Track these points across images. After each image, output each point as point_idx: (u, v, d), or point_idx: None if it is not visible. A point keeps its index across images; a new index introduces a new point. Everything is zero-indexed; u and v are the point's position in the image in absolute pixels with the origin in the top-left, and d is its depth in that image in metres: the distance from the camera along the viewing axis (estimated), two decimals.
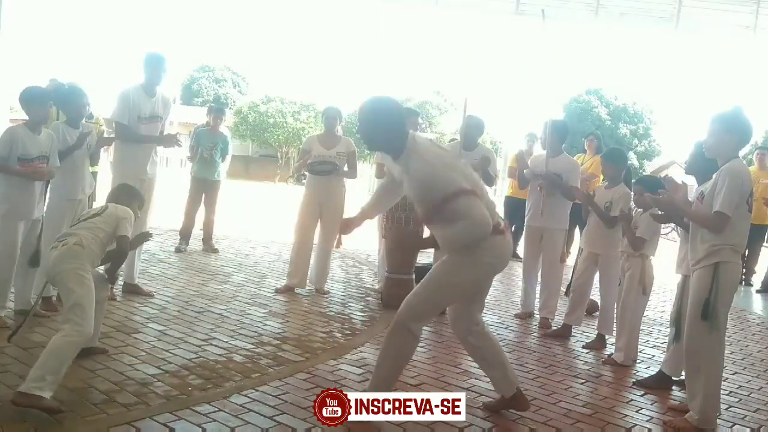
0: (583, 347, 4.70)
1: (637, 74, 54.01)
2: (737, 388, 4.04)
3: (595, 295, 5.13)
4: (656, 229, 4.31)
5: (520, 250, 8.92)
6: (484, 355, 3.19)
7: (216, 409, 3.00)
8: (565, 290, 5.85)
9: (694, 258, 3.35)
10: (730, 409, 3.65)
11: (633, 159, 29.45)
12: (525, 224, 5.49)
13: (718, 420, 3.42)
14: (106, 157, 7.33)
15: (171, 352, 3.73)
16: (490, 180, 5.41)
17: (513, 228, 9.05)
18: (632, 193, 4.49)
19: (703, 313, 3.24)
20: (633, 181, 4.65)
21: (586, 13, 9.48)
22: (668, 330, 5.34)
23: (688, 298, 3.40)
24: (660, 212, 3.95)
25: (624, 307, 4.37)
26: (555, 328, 5.04)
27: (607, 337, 4.74)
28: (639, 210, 4.32)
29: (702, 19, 9.29)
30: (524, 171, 5.48)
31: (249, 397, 3.18)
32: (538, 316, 5.36)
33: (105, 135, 6.23)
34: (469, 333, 3.16)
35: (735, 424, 3.48)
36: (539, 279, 5.41)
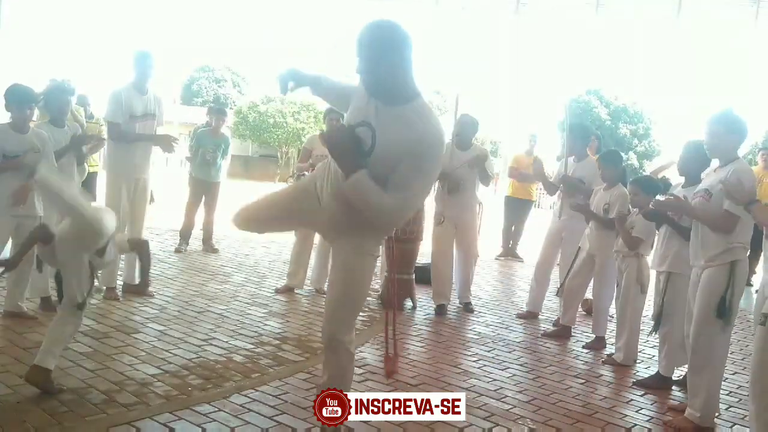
0: (583, 347, 4.69)
1: (636, 74, 54.07)
2: (737, 388, 4.04)
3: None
4: (652, 229, 4.31)
5: (520, 250, 8.98)
6: None
7: (216, 409, 3.00)
8: (557, 290, 5.85)
9: (705, 256, 3.35)
10: (730, 409, 3.65)
11: (633, 159, 29.43)
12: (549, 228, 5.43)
13: (718, 420, 3.43)
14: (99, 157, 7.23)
15: (171, 352, 3.73)
16: (487, 178, 5.37)
17: (512, 228, 9.05)
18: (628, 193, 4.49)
19: (719, 312, 3.25)
20: (629, 181, 4.64)
21: (587, 10, 9.51)
22: None
23: (696, 297, 3.39)
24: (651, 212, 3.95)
25: (623, 307, 4.36)
26: (554, 328, 5.04)
27: (606, 337, 4.74)
28: (635, 210, 4.32)
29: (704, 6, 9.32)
30: (550, 179, 5.50)
31: (249, 397, 3.18)
32: (541, 316, 5.36)
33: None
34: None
35: (735, 424, 3.48)
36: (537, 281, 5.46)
